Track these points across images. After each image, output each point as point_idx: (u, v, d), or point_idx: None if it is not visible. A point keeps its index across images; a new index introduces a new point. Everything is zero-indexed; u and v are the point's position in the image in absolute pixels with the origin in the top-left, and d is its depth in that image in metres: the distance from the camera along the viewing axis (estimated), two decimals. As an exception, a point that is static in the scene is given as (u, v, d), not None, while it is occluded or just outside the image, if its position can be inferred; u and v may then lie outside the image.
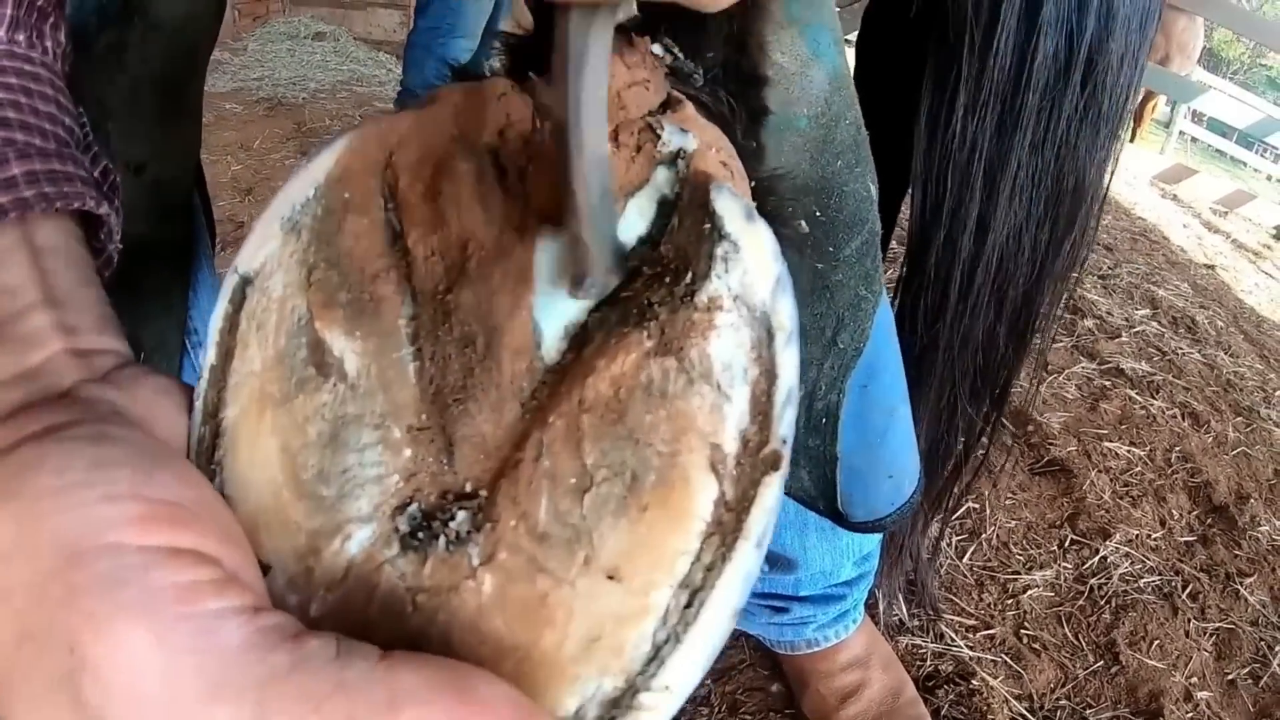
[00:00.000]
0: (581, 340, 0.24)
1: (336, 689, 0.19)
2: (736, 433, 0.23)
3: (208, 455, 0.26)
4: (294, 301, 0.26)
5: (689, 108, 0.30)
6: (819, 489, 0.69)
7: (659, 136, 0.26)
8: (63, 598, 0.20)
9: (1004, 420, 1.60)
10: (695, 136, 0.27)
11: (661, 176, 0.26)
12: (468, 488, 0.24)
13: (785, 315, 0.23)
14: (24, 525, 0.20)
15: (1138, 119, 4.71)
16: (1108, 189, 0.79)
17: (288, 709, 0.19)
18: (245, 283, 0.27)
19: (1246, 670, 1.27)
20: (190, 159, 0.59)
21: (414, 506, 0.24)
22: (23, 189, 0.26)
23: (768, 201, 0.46)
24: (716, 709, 1.05)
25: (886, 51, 0.89)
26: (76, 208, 0.27)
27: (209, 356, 0.27)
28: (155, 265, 0.53)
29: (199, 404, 0.26)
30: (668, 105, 0.30)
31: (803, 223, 0.50)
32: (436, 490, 0.24)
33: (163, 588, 0.20)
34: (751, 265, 0.23)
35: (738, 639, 1.12)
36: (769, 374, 0.23)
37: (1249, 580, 1.42)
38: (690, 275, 0.24)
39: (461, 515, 0.24)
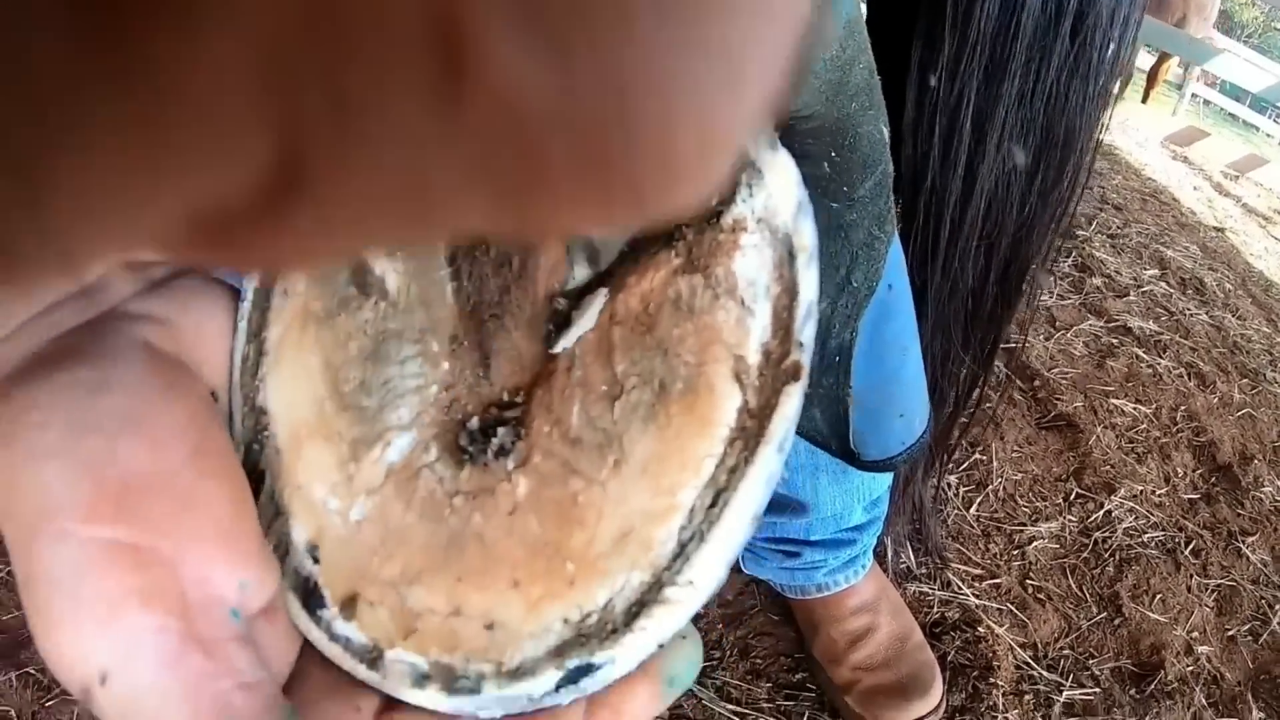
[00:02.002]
0: (612, 263, 0.25)
1: None
2: (759, 345, 0.24)
3: (252, 372, 0.26)
4: None
5: None
6: (832, 429, 0.69)
7: None
8: (23, 578, 0.19)
9: (1012, 377, 1.61)
10: None
11: None
12: (504, 397, 0.25)
13: (806, 237, 0.24)
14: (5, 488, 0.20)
15: (1151, 80, 4.65)
16: (1099, 143, 0.79)
17: None
18: None
19: (1247, 627, 1.29)
20: None
21: (473, 422, 0.25)
22: None
23: (786, 142, 0.47)
24: (728, 653, 1.07)
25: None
26: None
27: (252, 281, 0.27)
28: None
29: (243, 324, 0.26)
30: None
31: (823, 164, 0.51)
32: (474, 400, 0.25)
33: (92, 597, 0.19)
34: (775, 190, 0.24)
35: (749, 585, 1.13)
36: (790, 291, 0.24)
37: (1251, 539, 1.44)
38: (716, 199, 0.24)
39: (502, 431, 0.24)
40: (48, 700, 0.94)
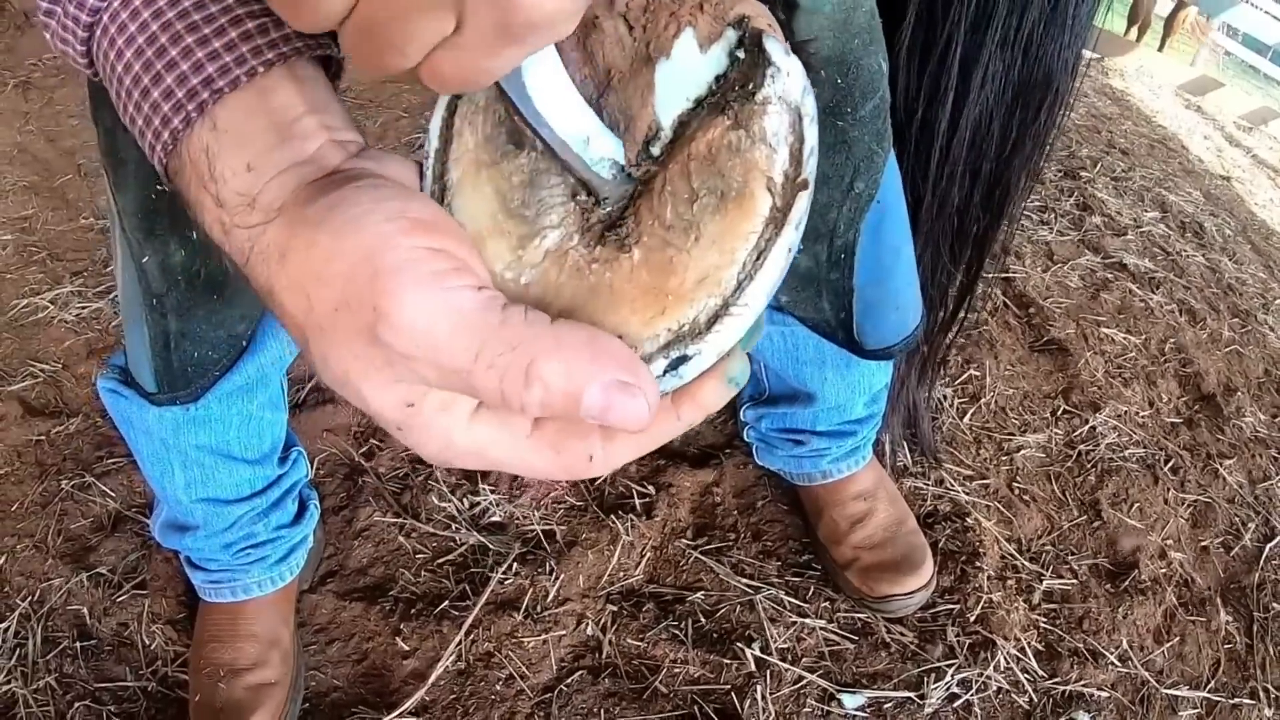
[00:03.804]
0: (685, 123, 0.39)
1: (525, 335, 0.31)
2: (781, 170, 0.36)
3: (439, 198, 0.40)
4: (495, 106, 0.40)
5: None
6: (838, 320, 0.81)
7: (727, 9, 0.41)
8: (367, 279, 0.30)
9: (1009, 303, 1.71)
10: (751, 8, 0.41)
11: (730, 34, 0.40)
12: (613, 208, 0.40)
13: (809, 107, 0.37)
14: (338, 238, 0.31)
15: (1168, 28, 4.64)
16: (1078, 85, 0.91)
17: (495, 345, 0.30)
18: (456, 96, 0.41)
19: (1219, 540, 1.38)
20: None
21: (601, 212, 0.39)
22: (294, 41, 0.37)
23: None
24: (742, 535, 1.19)
25: None
26: (320, 54, 0.39)
27: (432, 145, 0.40)
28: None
29: (428, 171, 0.40)
30: None
31: (829, 87, 0.62)
32: (603, 207, 0.40)
33: (427, 272, 0.31)
34: (789, 79, 0.38)
35: (760, 477, 1.26)
36: (800, 139, 0.37)
37: (1229, 462, 1.52)
38: (751, 85, 0.38)
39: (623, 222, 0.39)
40: (118, 596, 1.07)
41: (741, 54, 0.39)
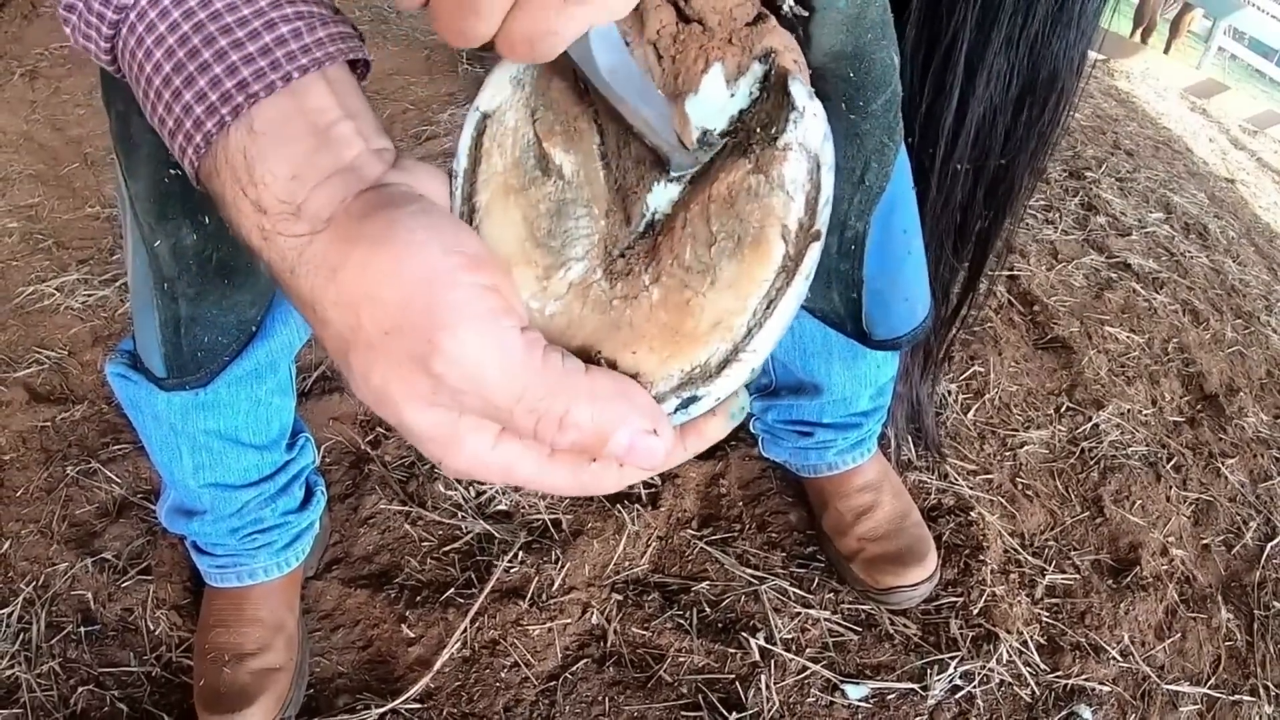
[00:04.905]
0: (709, 162, 0.41)
1: (563, 381, 0.34)
2: (796, 219, 0.38)
3: (468, 221, 0.40)
4: (523, 130, 0.42)
5: (772, 19, 0.44)
6: (847, 310, 0.81)
7: (754, 41, 0.42)
8: (425, 310, 0.32)
9: (1013, 301, 1.71)
10: (778, 40, 0.42)
11: (757, 67, 0.41)
12: (637, 242, 0.41)
13: (828, 156, 0.39)
14: (397, 263, 0.33)
15: (1174, 30, 4.64)
16: (1083, 85, 0.91)
17: (536, 390, 0.33)
18: (485, 117, 0.42)
19: (1221, 539, 1.38)
20: None
21: (620, 248, 0.41)
22: (327, 46, 0.38)
23: (812, 63, 0.58)
24: (748, 526, 1.20)
25: None
26: (352, 58, 0.40)
27: (461, 165, 0.41)
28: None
29: (457, 193, 0.41)
30: (759, 18, 0.44)
31: (842, 81, 0.62)
32: (624, 242, 0.41)
33: (483, 310, 0.33)
34: (810, 125, 0.39)
35: (766, 469, 1.26)
36: (816, 188, 0.38)
37: (1231, 461, 1.51)
38: (774, 129, 0.39)
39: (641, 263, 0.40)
40: (123, 581, 1.07)
41: (767, 89, 0.41)
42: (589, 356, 0.38)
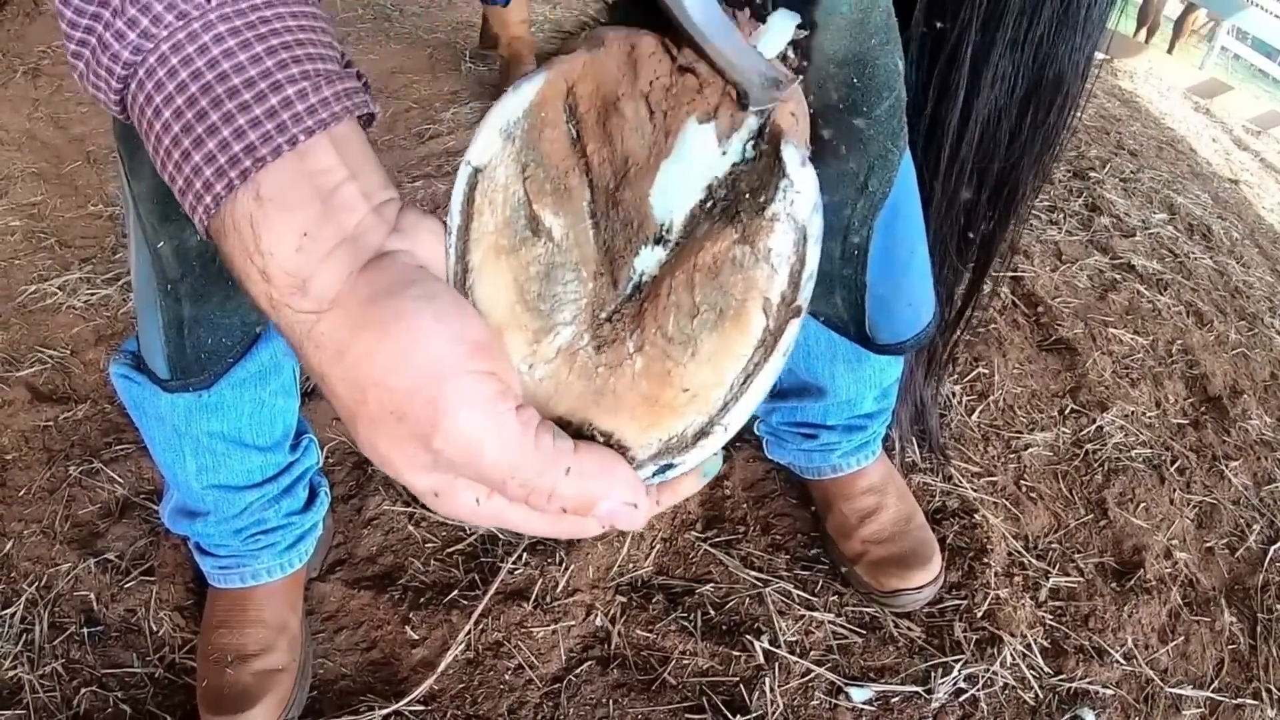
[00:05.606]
0: (695, 229, 0.40)
1: (554, 460, 0.37)
2: (779, 293, 0.38)
3: (460, 284, 0.41)
4: (514, 187, 0.41)
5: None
6: (850, 314, 0.80)
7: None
8: (430, 400, 0.34)
9: (1017, 302, 1.71)
10: None
11: (751, 121, 0.40)
12: (624, 306, 0.41)
13: (816, 227, 0.39)
14: (404, 357, 0.34)
15: (1177, 31, 4.63)
16: (1089, 88, 0.90)
17: (527, 470, 0.36)
18: (476, 171, 0.41)
19: (1224, 541, 1.37)
20: None
21: (607, 312, 0.41)
22: (333, 106, 0.38)
23: (814, 64, 0.57)
24: (752, 528, 1.19)
25: None
26: (361, 114, 0.40)
27: (454, 221, 0.41)
28: None
29: (451, 251, 0.41)
30: None
31: (846, 87, 0.61)
32: (610, 306, 0.41)
33: (484, 396, 0.35)
34: (800, 195, 0.39)
35: (771, 471, 1.26)
36: (801, 261, 0.38)
37: (1234, 464, 1.51)
38: (764, 197, 0.39)
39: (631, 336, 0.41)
40: (126, 582, 1.07)
41: (760, 148, 0.40)
42: (575, 424, 0.40)
